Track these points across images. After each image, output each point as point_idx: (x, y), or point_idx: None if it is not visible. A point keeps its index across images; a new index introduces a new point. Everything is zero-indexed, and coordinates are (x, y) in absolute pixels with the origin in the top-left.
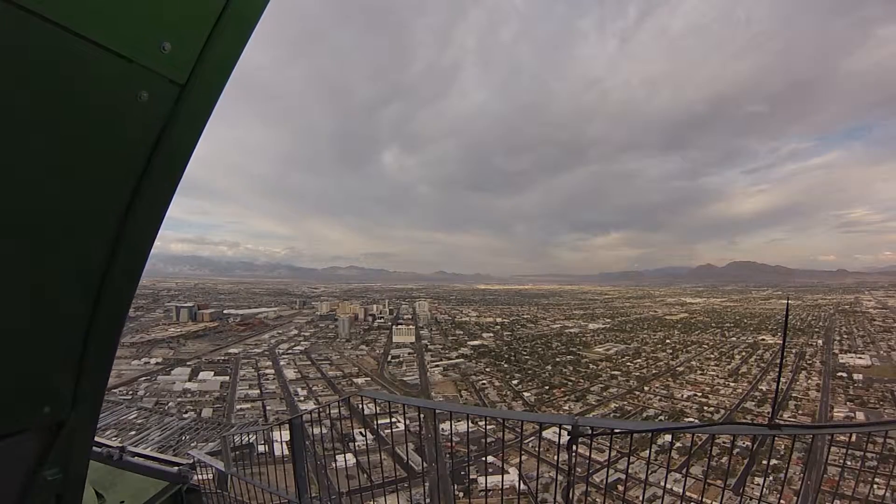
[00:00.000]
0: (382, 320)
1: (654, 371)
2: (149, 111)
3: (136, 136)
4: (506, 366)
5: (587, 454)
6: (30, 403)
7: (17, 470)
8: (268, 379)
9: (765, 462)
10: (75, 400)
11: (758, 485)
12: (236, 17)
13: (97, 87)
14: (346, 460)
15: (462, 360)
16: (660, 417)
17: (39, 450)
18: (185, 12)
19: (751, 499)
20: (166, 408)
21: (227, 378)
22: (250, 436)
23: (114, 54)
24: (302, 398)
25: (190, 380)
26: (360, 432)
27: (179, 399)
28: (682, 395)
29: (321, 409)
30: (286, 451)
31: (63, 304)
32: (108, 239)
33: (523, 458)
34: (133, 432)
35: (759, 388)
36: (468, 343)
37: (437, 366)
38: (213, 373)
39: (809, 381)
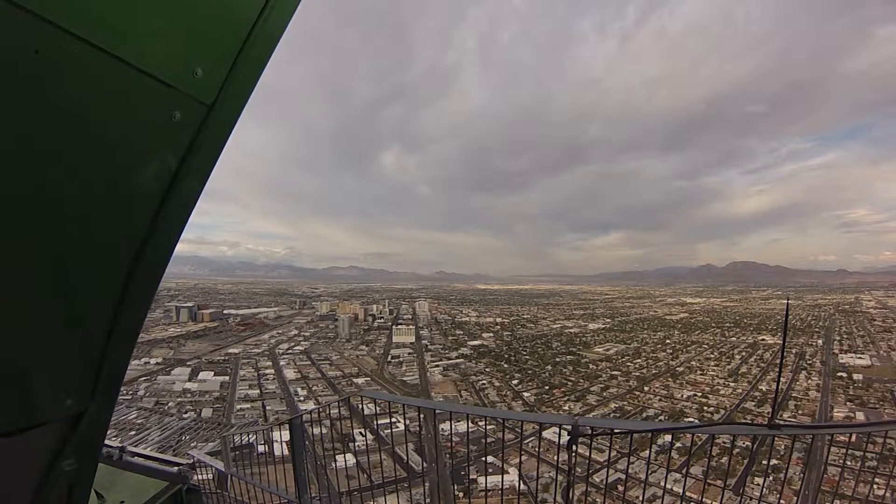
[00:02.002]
0: (382, 320)
1: (654, 371)
2: (180, 129)
3: (167, 151)
4: (506, 366)
5: (587, 454)
6: (54, 396)
7: (38, 460)
8: (268, 379)
9: (765, 462)
10: (94, 393)
11: (758, 485)
12: (260, 42)
13: (139, 107)
14: (346, 460)
15: (462, 360)
16: (660, 417)
17: (59, 441)
18: (216, 42)
19: (751, 499)
20: (166, 408)
21: (227, 378)
22: (250, 436)
23: (155, 79)
24: (302, 398)
25: (190, 380)
26: (360, 432)
27: (179, 399)
28: (682, 396)
29: (321, 409)
30: (286, 451)
31: (91, 303)
32: (136, 243)
33: (523, 458)
34: (133, 432)
35: (759, 388)
36: (468, 343)
37: (437, 366)
38: (213, 373)
39: (809, 381)
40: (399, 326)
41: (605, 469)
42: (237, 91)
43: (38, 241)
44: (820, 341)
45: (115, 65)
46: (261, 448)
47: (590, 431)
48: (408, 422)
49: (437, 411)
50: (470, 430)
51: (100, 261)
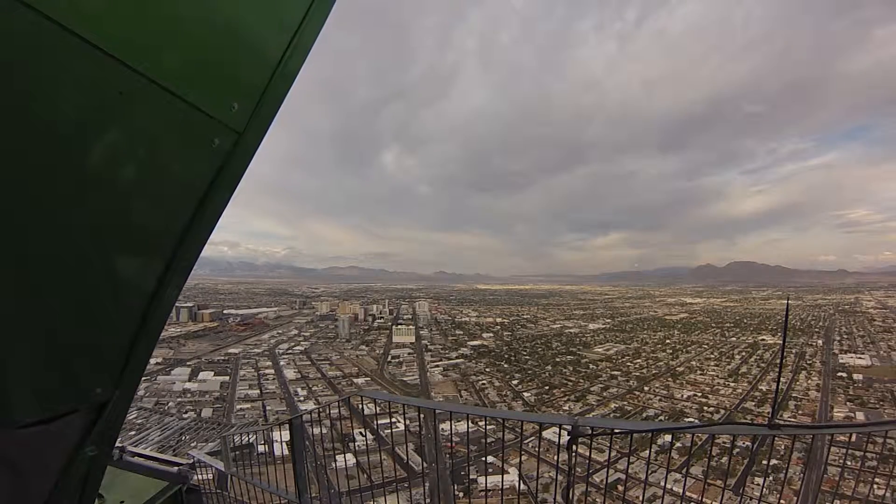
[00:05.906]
0: (382, 320)
1: (654, 371)
2: (216, 153)
3: (204, 173)
4: (506, 366)
5: (587, 454)
6: (87, 386)
7: (65, 446)
8: (268, 379)
9: (765, 462)
10: (119, 383)
11: (758, 485)
12: (282, 79)
13: (189, 135)
14: (346, 460)
15: (462, 360)
16: (660, 417)
17: (85, 428)
18: (248, 81)
19: (751, 499)
20: (166, 408)
21: (227, 378)
22: (250, 436)
23: (202, 112)
24: (302, 398)
25: (190, 380)
26: (360, 432)
27: (179, 399)
28: (682, 396)
29: (321, 409)
30: (286, 451)
31: (129, 300)
32: (171, 246)
33: (523, 458)
34: (133, 432)
35: (759, 388)
36: (468, 343)
37: (436, 366)
38: (213, 373)
39: (809, 381)
40: (399, 326)
41: (605, 469)
42: (262, 121)
43: (88, 241)
44: (820, 341)
45: (173, 100)
46: (261, 448)
47: (590, 431)
48: (408, 422)
49: (437, 411)
50: (470, 430)
51: (139, 261)
